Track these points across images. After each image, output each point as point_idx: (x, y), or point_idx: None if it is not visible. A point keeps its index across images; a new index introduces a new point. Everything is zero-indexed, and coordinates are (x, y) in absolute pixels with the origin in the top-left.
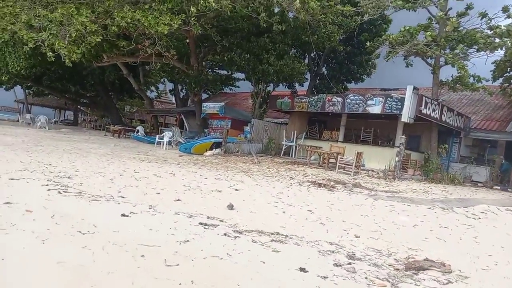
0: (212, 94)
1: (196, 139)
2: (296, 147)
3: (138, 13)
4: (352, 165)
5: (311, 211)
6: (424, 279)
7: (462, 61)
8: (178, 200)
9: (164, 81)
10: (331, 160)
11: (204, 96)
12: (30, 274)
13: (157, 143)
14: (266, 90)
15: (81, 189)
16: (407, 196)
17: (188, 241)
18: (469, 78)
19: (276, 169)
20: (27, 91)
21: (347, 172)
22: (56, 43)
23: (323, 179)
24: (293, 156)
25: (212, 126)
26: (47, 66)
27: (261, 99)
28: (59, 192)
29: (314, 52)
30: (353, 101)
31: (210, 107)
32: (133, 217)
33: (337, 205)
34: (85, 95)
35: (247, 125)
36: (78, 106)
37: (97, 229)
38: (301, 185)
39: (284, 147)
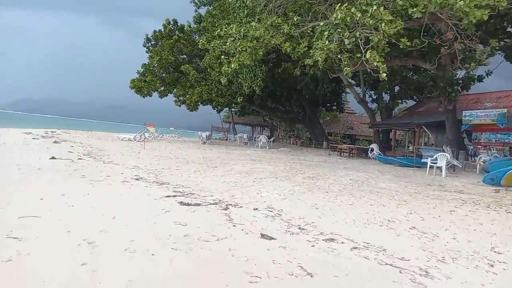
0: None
1: (498, 162)
2: None
3: None
4: None
5: None
6: None
7: None
8: None
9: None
10: None
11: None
12: None
13: (429, 168)
14: None
15: None
16: None
17: None
18: None
19: None
20: (232, 110)
21: None
22: (369, 54)
23: None
24: None
25: (479, 141)
26: (277, 83)
27: None
28: None
29: None
30: None
31: (479, 116)
32: None
33: None
34: (289, 111)
35: None
36: (273, 123)
37: None
38: None
39: None
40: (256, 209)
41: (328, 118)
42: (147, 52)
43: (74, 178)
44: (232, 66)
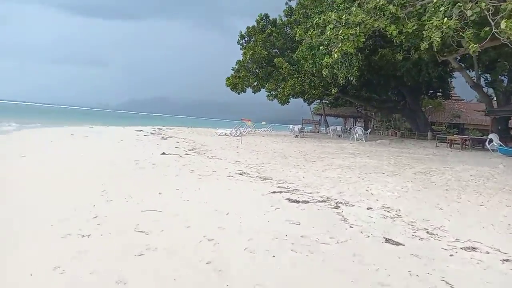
0: None
1: None
2: None
3: None
4: None
5: None
6: None
7: None
8: None
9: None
10: None
11: None
12: None
13: None
14: None
15: None
16: None
17: None
18: None
19: None
20: (324, 102)
21: None
22: (504, 24)
23: None
24: None
25: None
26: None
27: None
28: None
29: None
30: None
31: None
32: None
33: None
34: (386, 100)
35: None
36: (368, 113)
37: None
38: None
39: None
40: (370, 208)
41: (430, 106)
42: (241, 49)
43: (184, 173)
44: (335, 56)
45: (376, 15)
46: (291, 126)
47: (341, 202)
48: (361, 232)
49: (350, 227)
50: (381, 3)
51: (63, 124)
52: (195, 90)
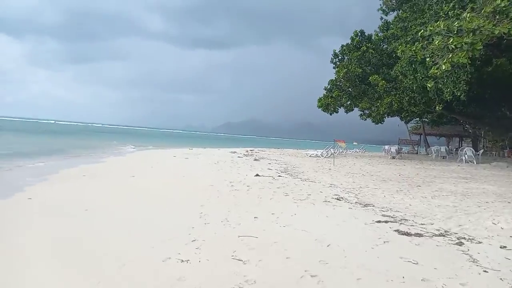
0: None
1: None
2: None
3: None
4: None
5: None
6: None
7: None
8: None
9: None
10: None
11: None
12: None
13: None
14: None
15: None
16: None
17: None
18: None
19: None
20: (423, 120)
21: None
22: None
23: None
24: None
25: None
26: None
27: None
28: None
29: None
30: None
31: None
32: None
33: None
34: (502, 116)
35: None
36: (477, 132)
37: None
38: None
39: None
40: (504, 247)
41: None
42: (334, 67)
43: (278, 196)
44: (443, 67)
45: (495, 19)
46: (386, 147)
47: (464, 238)
48: (500, 279)
49: (484, 271)
50: (502, 4)
51: (168, 147)
52: (283, 111)
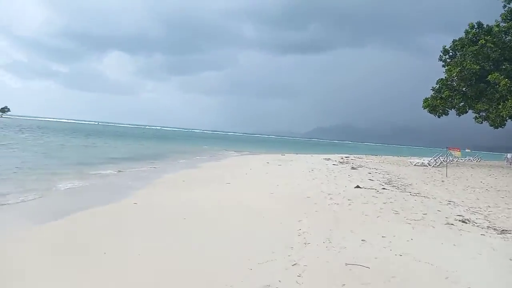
0: None
1: None
2: None
3: None
4: None
5: None
6: None
7: None
8: None
9: None
10: None
11: None
12: None
13: None
14: None
15: None
16: None
17: None
18: None
19: None
20: None
21: None
22: None
23: None
24: None
25: None
26: None
27: None
28: None
29: None
30: None
31: None
32: None
33: None
34: None
35: None
36: None
37: None
38: None
39: None
40: None
41: None
42: (443, 66)
43: (387, 214)
44: None
45: None
46: (508, 155)
47: None
48: None
49: None
50: None
51: (263, 152)
52: (377, 114)
